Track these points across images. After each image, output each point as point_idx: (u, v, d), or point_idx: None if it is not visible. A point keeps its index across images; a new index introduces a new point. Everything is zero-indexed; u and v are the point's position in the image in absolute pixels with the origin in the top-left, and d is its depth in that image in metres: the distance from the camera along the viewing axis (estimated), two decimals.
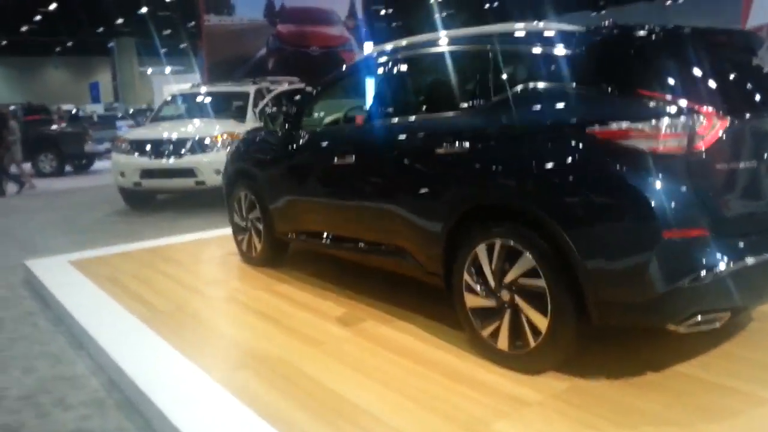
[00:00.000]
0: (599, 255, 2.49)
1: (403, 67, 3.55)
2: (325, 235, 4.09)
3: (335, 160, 3.80)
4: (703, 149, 2.35)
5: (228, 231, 5.97)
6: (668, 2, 31.66)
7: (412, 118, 3.44)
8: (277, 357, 3.17)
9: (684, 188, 2.36)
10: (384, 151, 3.50)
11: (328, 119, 4.45)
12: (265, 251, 4.80)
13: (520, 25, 3.01)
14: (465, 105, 3.11)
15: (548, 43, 2.81)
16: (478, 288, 2.98)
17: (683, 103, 2.37)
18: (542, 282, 2.67)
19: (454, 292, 3.14)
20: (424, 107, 3.51)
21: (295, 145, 4.28)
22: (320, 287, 4.28)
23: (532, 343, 2.76)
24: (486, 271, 2.92)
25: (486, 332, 2.98)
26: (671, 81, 2.49)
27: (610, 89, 2.55)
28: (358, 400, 2.68)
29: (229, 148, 6.52)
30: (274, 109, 4.68)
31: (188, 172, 8.03)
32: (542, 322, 2.70)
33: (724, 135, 2.37)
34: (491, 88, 2.96)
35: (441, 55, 3.33)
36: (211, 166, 8.00)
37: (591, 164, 2.50)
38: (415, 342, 3.30)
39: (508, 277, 2.82)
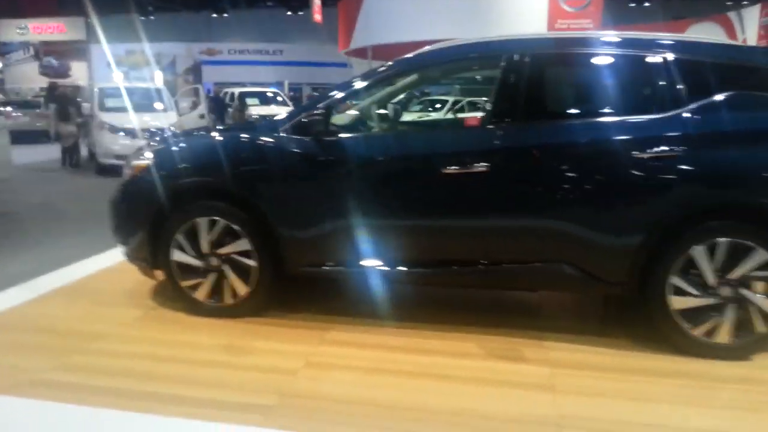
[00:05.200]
0: None
1: (565, 67, 3.24)
2: (407, 260, 3.34)
3: (445, 169, 3.17)
4: None
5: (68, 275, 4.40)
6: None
7: (591, 120, 3.17)
8: (571, 416, 2.56)
9: None
10: (546, 159, 3.14)
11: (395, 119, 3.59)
12: (257, 295, 3.53)
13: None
14: (664, 109, 3.09)
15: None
16: (691, 289, 3.05)
17: None
18: None
19: (651, 299, 3.12)
20: (606, 110, 3.26)
21: (349, 154, 3.33)
22: (377, 325, 3.46)
23: (762, 329, 3.03)
24: (706, 271, 3.03)
25: (700, 330, 3.08)
26: None
27: None
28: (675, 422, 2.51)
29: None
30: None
31: None
32: None
33: None
34: (688, 94, 3.06)
35: (619, 57, 3.19)
36: None
37: None
38: (613, 358, 3.11)
39: (736, 273, 3.01)
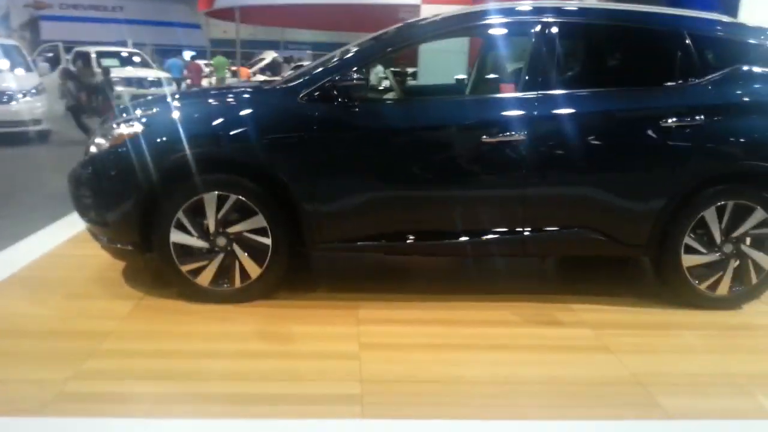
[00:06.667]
0: None
1: (591, 36, 3.27)
2: (443, 232, 3.24)
3: (484, 138, 3.12)
4: None
5: None
6: None
7: (619, 90, 3.23)
8: (644, 373, 2.67)
9: None
10: (579, 127, 3.17)
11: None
12: (269, 276, 3.24)
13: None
14: (688, 80, 3.25)
15: None
16: (700, 247, 3.32)
17: None
18: None
19: (666, 258, 3.33)
20: (631, 80, 3.31)
21: (383, 121, 3.14)
22: (401, 300, 3.34)
23: (755, 281, 3.38)
24: (714, 231, 3.29)
25: (704, 285, 3.36)
26: None
27: None
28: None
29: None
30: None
31: None
32: None
33: None
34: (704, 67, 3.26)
35: (644, 31, 3.29)
36: None
37: None
38: (639, 316, 3.30)
39: (739, 231, 3.30)
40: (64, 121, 10.61)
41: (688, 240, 3.29)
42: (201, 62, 23.00)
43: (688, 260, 3.33)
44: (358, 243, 3.23)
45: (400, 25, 3.46)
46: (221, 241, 3.17)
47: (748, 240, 3.31)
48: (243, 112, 3.17)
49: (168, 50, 25.53)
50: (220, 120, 3.13)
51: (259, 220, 3.14)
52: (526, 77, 3.22)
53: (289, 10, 18.15)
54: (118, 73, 14.23)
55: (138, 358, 2.64)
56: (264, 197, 3.13)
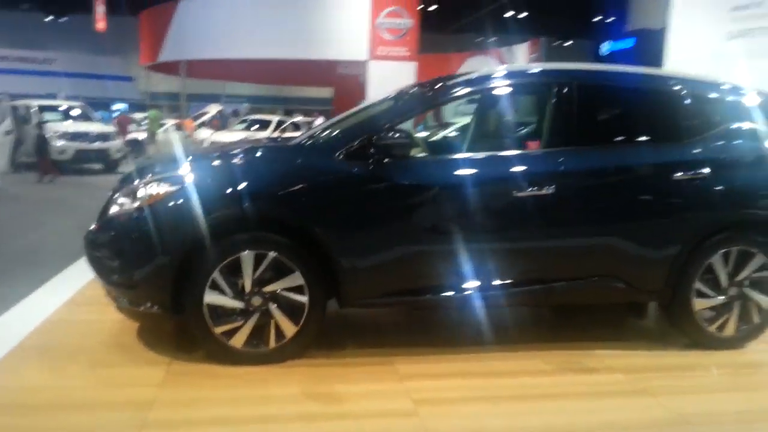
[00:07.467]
0: None
1: (604, 97, 3.50)
2: (472, 284, 3.32)
3: (516, 193, 3.25)
4: None
5: None
6: None
7: (633, 147, 3.46)
8: (690, 414, 2.78)
9: None
10: (604, 180, 3.38)
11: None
12: (305, 335, 3.19)
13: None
14: (691, 137, 3.52)
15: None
16: (709, 291, 3.53)
17: None
18: None
19: (678, 302, 3.52)
20: (644, 137, 3.54)
21: (423, 177, 3.23)
22: (434, 353, 3.36)
23: (757, 320, 3.62)
24: (721, 276, 3.53)
25: (713, 327, 3.57)
26: None
27: None
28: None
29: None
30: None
31: None
32: None
33: None
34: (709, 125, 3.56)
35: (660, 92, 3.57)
36: None
37: None
38: (661, 359, 3.45)
39: (742, 275, 3.55)
40: (9, 176, 10.11)
41: (698, 284, 3.50)
42: (138, 115, 22.59)
43: (698, 303, 3.53)
44: (397, 298, 3.25)
45: (433, 83, 3.61)
46: (257, 301, 3.11)
47: (748, 282, 3.55)
48: (280, 170, 3.18)
49: (97, 103, 24.98)
50: (256, 178, 3.12)
51: (296, 278, 3.12)
52: (550, 134, 3.41)
53: (234, 64, 18.20)
54: (59, 127, 13.79)
55: (193, 427, 2.54)
56: (301, 255, 3.12)
